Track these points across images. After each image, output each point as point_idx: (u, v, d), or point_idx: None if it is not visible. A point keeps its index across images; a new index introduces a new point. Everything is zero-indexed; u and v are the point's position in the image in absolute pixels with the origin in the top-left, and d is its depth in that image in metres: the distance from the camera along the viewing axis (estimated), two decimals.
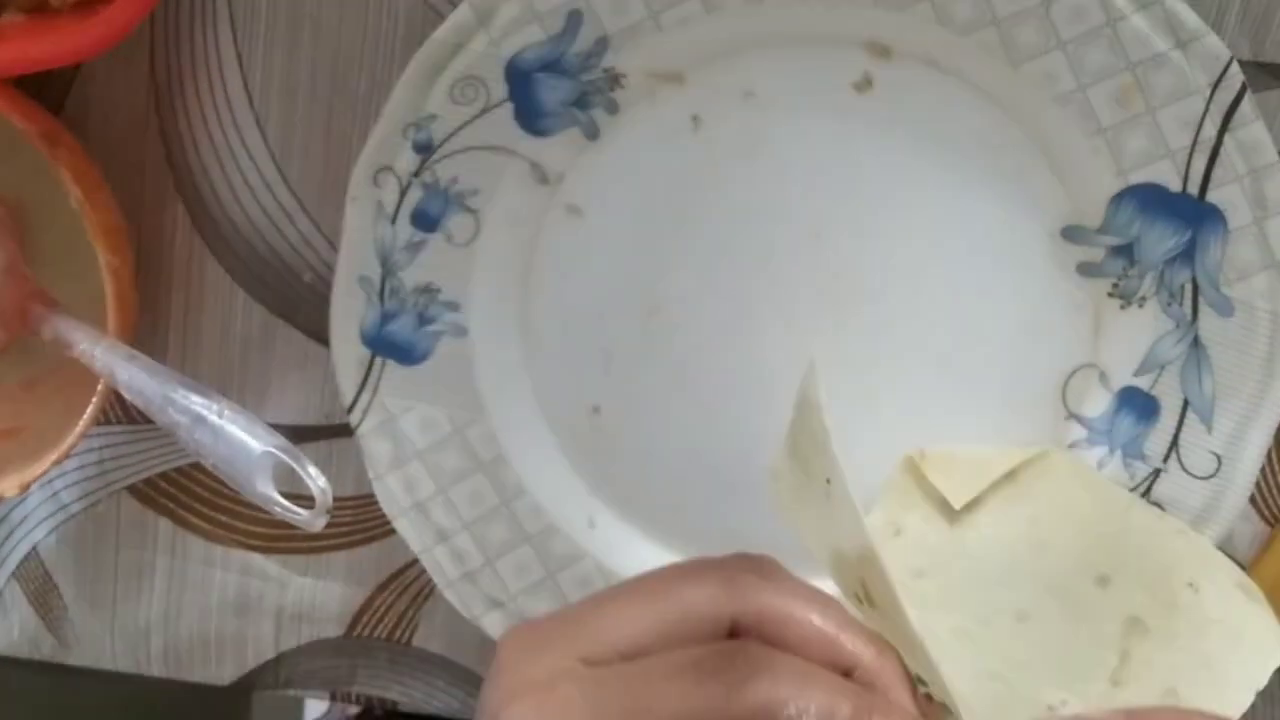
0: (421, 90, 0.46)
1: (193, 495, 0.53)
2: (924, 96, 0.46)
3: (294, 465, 0.42)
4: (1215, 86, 0.44)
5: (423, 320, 0.49)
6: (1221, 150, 0.45)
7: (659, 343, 0.50)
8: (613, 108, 0.47)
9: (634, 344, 0.50)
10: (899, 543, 0.48)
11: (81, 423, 0.45)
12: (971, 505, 0.48)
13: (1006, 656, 0.44)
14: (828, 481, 0.39)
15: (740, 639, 0.37)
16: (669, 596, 0.38)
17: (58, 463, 0.46)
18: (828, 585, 0.40)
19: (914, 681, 0.38)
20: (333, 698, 0.56)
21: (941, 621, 0.45)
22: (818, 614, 0.38)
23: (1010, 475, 0.49)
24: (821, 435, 0.38)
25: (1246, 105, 0.44)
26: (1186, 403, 0.48)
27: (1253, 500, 0.50)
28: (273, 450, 0.42)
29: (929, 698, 0.38)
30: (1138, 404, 0.48)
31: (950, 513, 0.49)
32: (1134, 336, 0.48)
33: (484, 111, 0.46)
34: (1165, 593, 0.47)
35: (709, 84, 0.47)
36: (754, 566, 0.38)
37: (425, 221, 0.47)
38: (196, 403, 0.43)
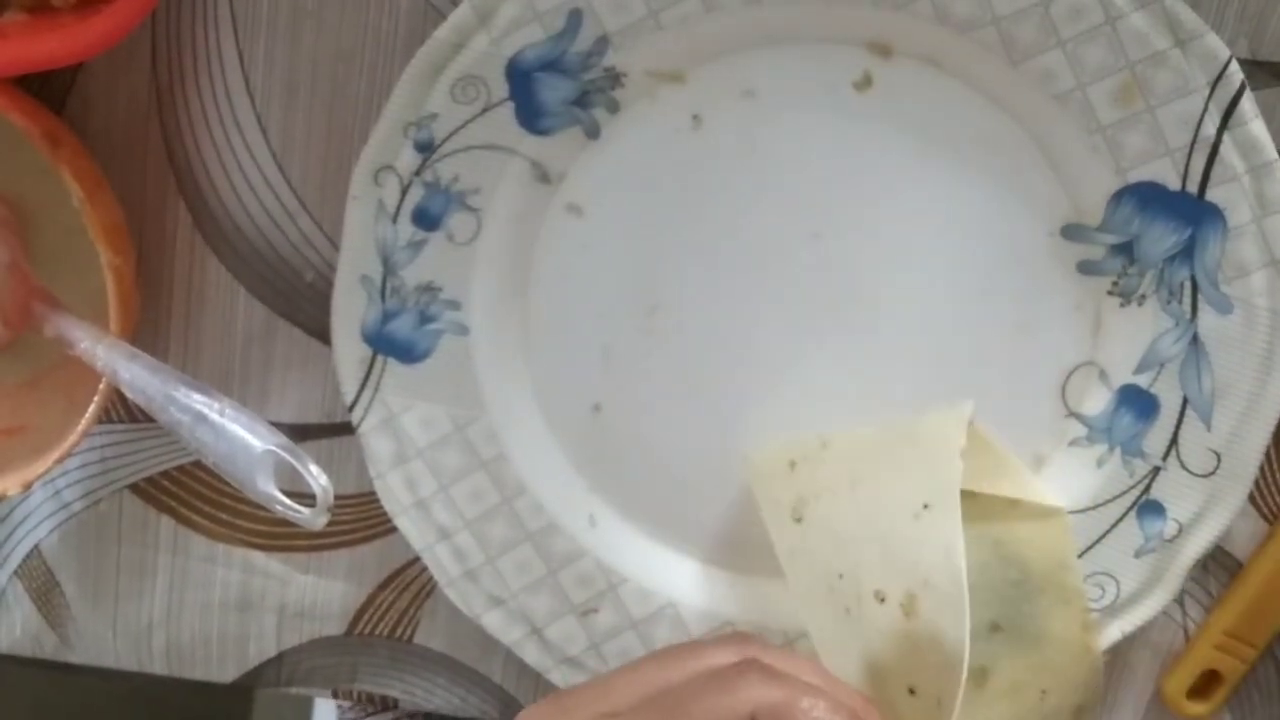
0: (422, 89, 0.46)
1: (194, 493, 0.53)
2: (924, 95, 0.46)
3: (295, 464, 0.42)
4: (1214, 85, 0.44)
5: (424, 319, 0.49)
6: (1221, 148, 0.45)
7: (659, 341, 0.50)
8: (613, 107, 0.47)
9: (634, 342, 0.50)
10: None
11: (83, 421, 0.46)
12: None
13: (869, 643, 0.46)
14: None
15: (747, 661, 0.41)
16: (693, 655, 0.41)
17: (60, 461, 0.46)
18: None
19: None
20: (334, 695, 0.56)
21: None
22: (817, 672, 0.43)
23: (1014, 500, 0.49)
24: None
25: (1245, 103, 0.44)
26: (1186, 400, 0.48)
27: (1251, 497, 0.50)
28: (274, 449, 0.43)
29: None
30: (1137, 402, 0.48)
31: None
32: (1134, 334, 0.48)
33: (485, 110, 0.46)
34: (1026, 692, 0.49)
35: (709, 83, 0.47)
36: (760, 646, 0.42)
37: (426, 220, 0.48)
38: (198, 401, 0.43)
